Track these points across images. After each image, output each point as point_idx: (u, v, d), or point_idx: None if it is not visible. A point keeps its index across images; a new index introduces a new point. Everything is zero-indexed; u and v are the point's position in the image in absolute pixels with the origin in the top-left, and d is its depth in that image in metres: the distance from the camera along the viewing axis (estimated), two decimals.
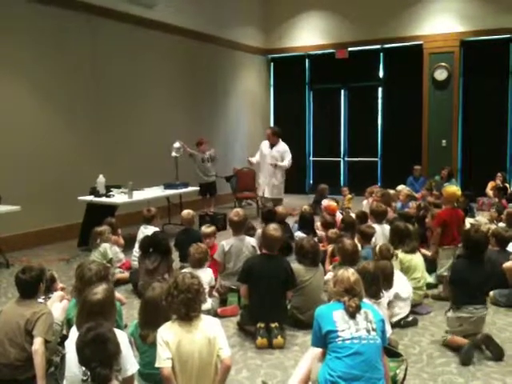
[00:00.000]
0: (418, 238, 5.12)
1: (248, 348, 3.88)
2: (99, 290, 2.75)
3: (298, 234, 5.77)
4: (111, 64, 8.27)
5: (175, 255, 5.52)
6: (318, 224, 6.32)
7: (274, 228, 4.20)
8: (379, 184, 10.86)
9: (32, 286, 3.26)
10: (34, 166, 7.13)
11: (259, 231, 5.28)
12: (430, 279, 5.13)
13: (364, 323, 2.70)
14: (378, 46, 11.46)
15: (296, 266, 4.27)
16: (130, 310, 4.58)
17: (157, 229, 5.79)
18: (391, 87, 11.54)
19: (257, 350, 3.83)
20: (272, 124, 12.92)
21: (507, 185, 9.46)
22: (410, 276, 4.53)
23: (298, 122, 12.65)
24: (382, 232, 5.37)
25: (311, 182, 12.68)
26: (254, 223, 6.33)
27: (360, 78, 11.80)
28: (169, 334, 2.67)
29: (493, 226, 5.90)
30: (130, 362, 2.59)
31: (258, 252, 4.82)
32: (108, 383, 2.25)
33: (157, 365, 2.64)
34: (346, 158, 12.33)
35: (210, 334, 2.71)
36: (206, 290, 3.53)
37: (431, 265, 5.19)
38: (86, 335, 2.29)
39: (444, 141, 10.82)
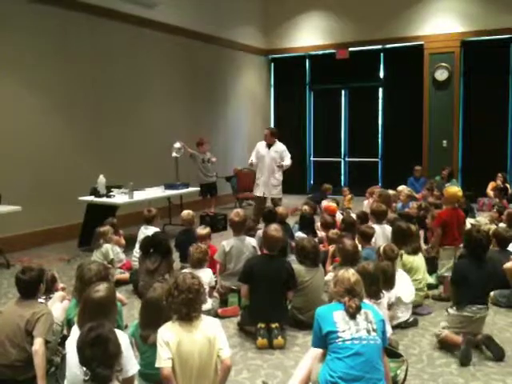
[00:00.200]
0: (419, 238, 5.12)
1: (248, 348, 3.88)
2: (101, 288, 2.77)
3: (299, 235, 5.77)
4: (111, 64, 8.28)
5: (175, 255, 5.52)
6: (318, 225, 6.32)
7: (275, 228, 4.21)
8: (380, 184, 10.86)
9: (32, 287, 3.26)
10: (35, 166, 7.13)
11: (260, 232, 5.28)
12: (431, 280, 5.13)
13: (364, 324, 2.71)
14: (379, 47, 11.47)
15: (297, 266, 4.27)
16: (131, 310, 4.59)
17: (157, 229, 5.79)
18: (392, 87, 11.54)
19: (257, 351, 3.83)
20: (272, 124, 12.94)
21: (508, 185, 9.46)
22: (411, 277, 4.51)
23: (299, 122, 12.66)
24: (382, 232, 5.36)
25: (312, 182, 12.68)
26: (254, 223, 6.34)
27: (360, 78, 11.80)
28: (169, 334, 2.67)
29: (493, 227, 5.90)
30: (131, 363, 2.60)
31: (259, 252, 4.83)
32: (108, 383, 2.25)
33: (157, 365, 2.64)
34: (347, 159, 12.34)
35: (211, 335, 2.71)
36: (206, 291, 3.53)
37: (432, 265, 5.19)
38: (87, 335, 2.29)
39: (445, 141, 10.82)
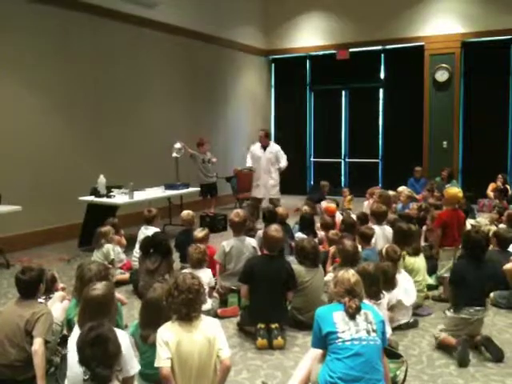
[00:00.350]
0: (419, 239, 5.12)
1: (248, 349, 3.87)
2: (99, 287, 2.77)
3: (299, 235, 5.77)
4: (111, 63, 8.28)
5: (175, 256, 5.52)
6: (318, 225, 6.32)
7: (275, 229, 4.21)
8: (380, 185, 10.85)
9: (32, 287, 3.26)
10: (35, 166, 7.13)
11: (260, 232, 5.28)
12: (431, 280, 5.13)
13: (364, 324, 2.70)
14: (379, 47, 11.47)
15: (296, 266, 4.27)
16: (131, 310, 4.58)
17: (157, 229, 5.79)
18: (392, 88, 11.54)
19: (257, 351, 3.83)
20: (272, 125, 12.96)
21: (508, 186, 9.45)
22: (412, 279, 4.51)
23: (299, 122, 12.66)
24: (382, 233, 5.36)
25: (312, 182, 12.68)
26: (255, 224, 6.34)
27: (361, 79, 11.80)
28: (169, 334, 2.67)
29: (493, 228, 5.90)
30: (132, 363, 2.60)
31: (259, 253, 4.83)
32: (108, 383, 2.25)
33: (156, 364, 2.64)
34: (347, 159, 12.34)
35: (210, 335, 2.71)
36: (206, 291, 3.53)
37: (431, 266, 5.19)
38: (87, 335, 2.29)
39: (445, 142, 10.82)
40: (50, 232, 7.28)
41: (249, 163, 8.33)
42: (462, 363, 3.54)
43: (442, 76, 10.69)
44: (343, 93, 12.21)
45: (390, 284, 4.00)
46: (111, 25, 8.17)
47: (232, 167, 10.39)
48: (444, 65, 10.63)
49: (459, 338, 3.65)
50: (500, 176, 9.58)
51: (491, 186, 9.59)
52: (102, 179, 7.00)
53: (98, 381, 2.24)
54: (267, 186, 7.92)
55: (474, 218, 7.44)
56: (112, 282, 3.69)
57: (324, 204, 7.47)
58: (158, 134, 9.14)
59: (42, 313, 3.16)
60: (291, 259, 4.65)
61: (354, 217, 6.12)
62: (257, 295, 4.04)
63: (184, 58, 9.91)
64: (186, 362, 2.64)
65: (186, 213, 5.99)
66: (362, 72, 11.75)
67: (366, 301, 2.97)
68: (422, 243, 5.57)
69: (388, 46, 11.36)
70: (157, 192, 7.78)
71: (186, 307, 2.70)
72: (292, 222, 6.80)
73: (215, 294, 4.71)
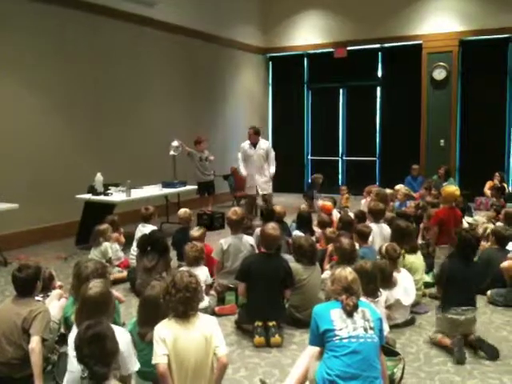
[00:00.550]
0: (417, 237, 5.13)
1: (246, 346, 3.88)
2: (95, 285, 2.77)
3: (296, 233, 5.77)
4: (111, 63, 8.26)
5: (173, 254, 5.52)
6: (315, 223, 6.32)
7: (272, 227, 4.21)
8: (377, 183, 10.87)
9: (29, 285, 3.25)
10: (35, 165, 7.12)
11: (257, 230, 5.28)
12: (428, 278, 5.14)
13: (361, 322, 2.71)
14: (377, 45, 11.46)
15: (294, 264, 4.27)
16: (128, 308, 4.58)
17: (155, 227, 5.79)
18: (390, 86, 11.54)
19: (254, 349, 3.83)
20: (270, 123, 12.96)
21: (505, 184, 9.47)
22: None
23: (297, 120, 12.65)
24: (379, 231, 5.37)
25: (309, 181, 12.66)
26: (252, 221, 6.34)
27: (359, 77, 11.79)
28: (165, 331, 2.67)
29: (491, 226, 5.92)
30: (131, 361, 2.60)
31: (257, 251, 4.83)
32: (105, 381, 2.25)
33: (153, 361, 2.64)
34: (345, 157, 12.33)
35: (207, 332, 2.71)
36: (203, 289, 3.54)
37: (429, 264, 5.20)
38: (85, 333, 2.29)
39: (442, 140, 10.82)
40: (47, 230, 7.26)
41: (241, 165, 8.28)
42: (460, 360, 3.55)
43: (439, 74, 10.70)
44: (341, 91, 12.20)
45: (388, 282, 4.01)
46: (111, 24, 8.15)
47: (230, 165, 10.38)
48: (442, 63, 10.63)
49: (454, 338, 3.65)
50: (497, 174, 9.60)
51: (488, 184, 9.62)
52: (99, 177, 6.98)
53: (95, 379, 2.23)
54: (260, 182, 7.96)
55: (470, 216, 7.46)
56: (109, 279, 3.70)
57: (320, 202, 7.48)
58: (157, 132, 9.13)
59: (40, 311, 3.15)
60: (288, 257, 4.66)
61: (351, 215, 6.13)
62: (254, 293, 4.04)
63: (183, 56, 9.90)
64: (183, 359, 2.64)
65: (182, 211, 5.99)
66: (360, 70, 11.74)
67: (363, 298, 2.98)
68: (420, 241, 5.58)
69: (386, 45, 11.35)
70: (154, 190, 7.78)
71: (183, 305, 2.70)
72: (289, 220, 6.80)
73: (212, 292, 4.70)
